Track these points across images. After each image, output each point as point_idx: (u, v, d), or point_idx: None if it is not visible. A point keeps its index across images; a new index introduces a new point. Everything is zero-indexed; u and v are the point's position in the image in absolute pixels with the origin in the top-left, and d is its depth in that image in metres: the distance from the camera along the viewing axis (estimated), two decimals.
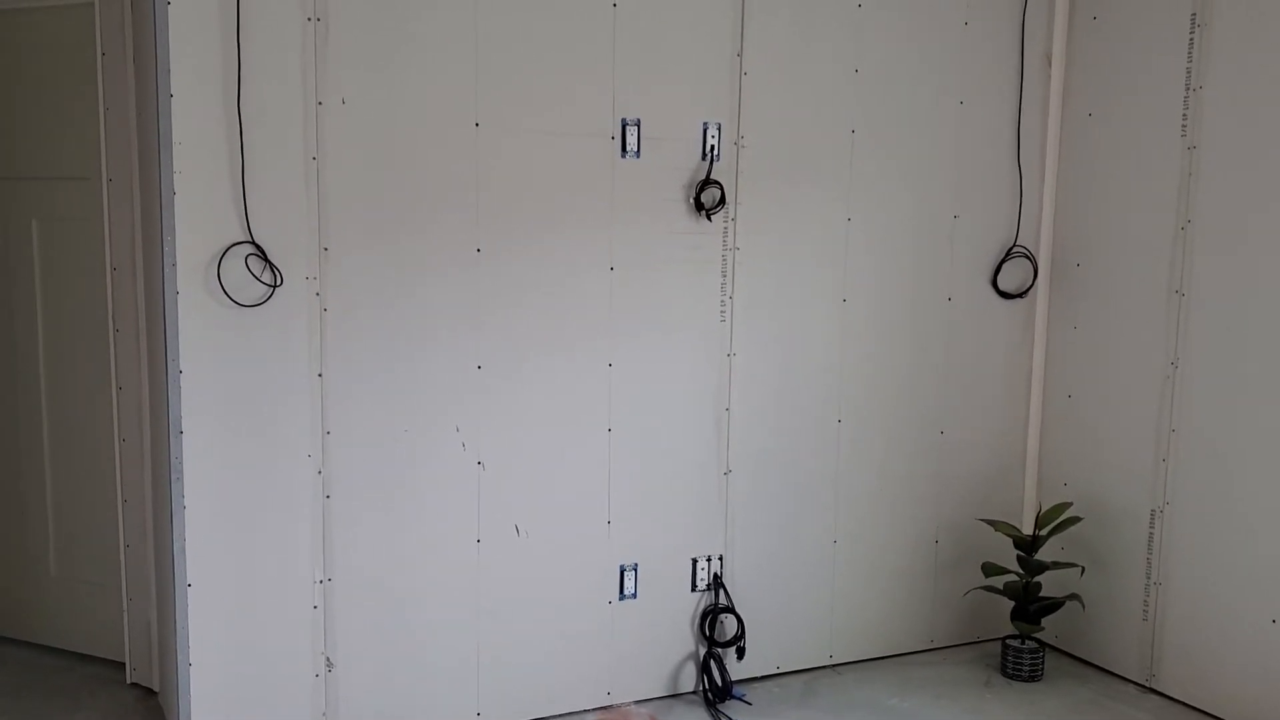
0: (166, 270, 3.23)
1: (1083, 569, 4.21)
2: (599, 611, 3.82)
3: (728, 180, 3.82)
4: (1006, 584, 4.19)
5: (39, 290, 4.04)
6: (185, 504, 3.27)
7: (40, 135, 3.96)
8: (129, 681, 3.93)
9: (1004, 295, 4.33)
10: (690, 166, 3.77)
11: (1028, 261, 4.36)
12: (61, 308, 4.00)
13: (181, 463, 3.26)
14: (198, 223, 3.20)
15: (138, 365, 3.77)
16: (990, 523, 4.23)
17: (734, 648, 3.96)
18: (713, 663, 3.93)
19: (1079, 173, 4.27)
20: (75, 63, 3.80)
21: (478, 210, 3.51)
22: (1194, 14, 3.83)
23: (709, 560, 3.97)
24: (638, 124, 3.67)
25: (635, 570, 3.85)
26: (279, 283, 3.29)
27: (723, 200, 3.80)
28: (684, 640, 3.96)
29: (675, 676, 3.96)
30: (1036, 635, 4.19)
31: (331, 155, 3.32)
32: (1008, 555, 4.23)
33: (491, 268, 3.54)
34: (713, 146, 3.78)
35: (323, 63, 3.29)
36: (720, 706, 3.88)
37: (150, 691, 3.88)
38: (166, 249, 3.22)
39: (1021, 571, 4.15)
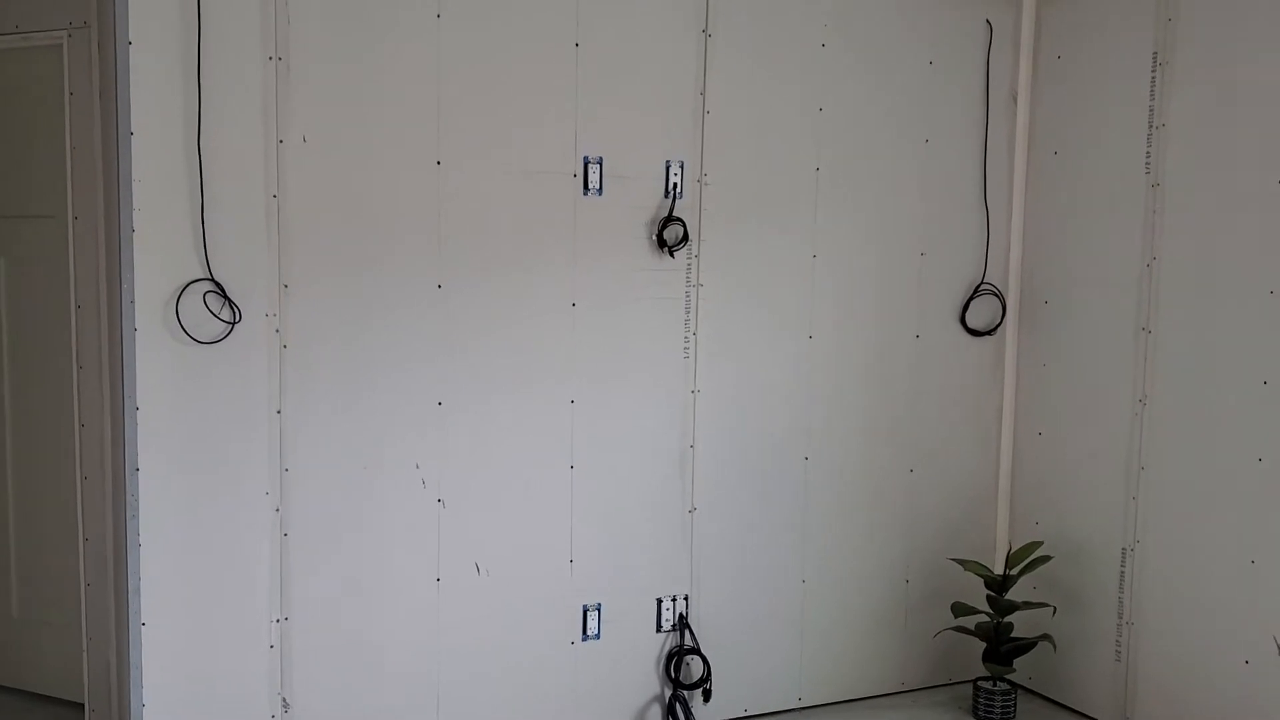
0: (125, 307, 3.23)
1: (1054, 609, 4.17)
2: (561, 652, 3.78)
3: (691, 218, 3.83)
4: (978, 624, 4.15)
5: (4, 327, 4.03)
6: (140, 542, 3.25)
7: (8, 174, 3.98)
8: None
9: (973, 333, 4.33)
10: (653, 204, 3.78)
11: (996, 299, 4.36)
12: (27, 345, 4.00)
13: (137, 500, 3.25)
14: (157, 260, 3.21)
15: (101, 403, 3.76)
16: (960, 562, 4.20)
17: (700, 690, 3.92)
18: (678, 705, 3.88)
19: (1046, 210, 4.28)
20: (43, 102, 3.82)
21: (439, 247, 3.51)
22: (1155, 52, 3.85)
23: (674, 600, 3.93)
24: (600, 162, 3.69)
25: (598, 610, 3.82)
26: (238, 320, 3.29)
27: (685, 237, 3.81)
28: (649, 682, 3.92)
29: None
30: (1009, 677, 4.15)
31: (292, 193, 3.34)
32: (980, 595, 4.20)
33: (453, 304, 3.54)
34: (676, 184, 3.80)
35: (284, 101, 3.30)
36: None
37: None
38: (125, 286, 3.22)
39: (991, 612, 4.11)
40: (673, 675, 3.92)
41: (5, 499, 4.09)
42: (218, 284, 3.26)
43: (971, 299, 4.32)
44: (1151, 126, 3.87)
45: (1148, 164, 3.88)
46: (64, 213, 3.81)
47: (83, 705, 3.92)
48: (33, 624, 4.08)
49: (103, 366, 3.75)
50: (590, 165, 3.68)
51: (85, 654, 3.88)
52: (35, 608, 4.08)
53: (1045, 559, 4.12)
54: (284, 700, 3.43)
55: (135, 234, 3.17)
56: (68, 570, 3.93)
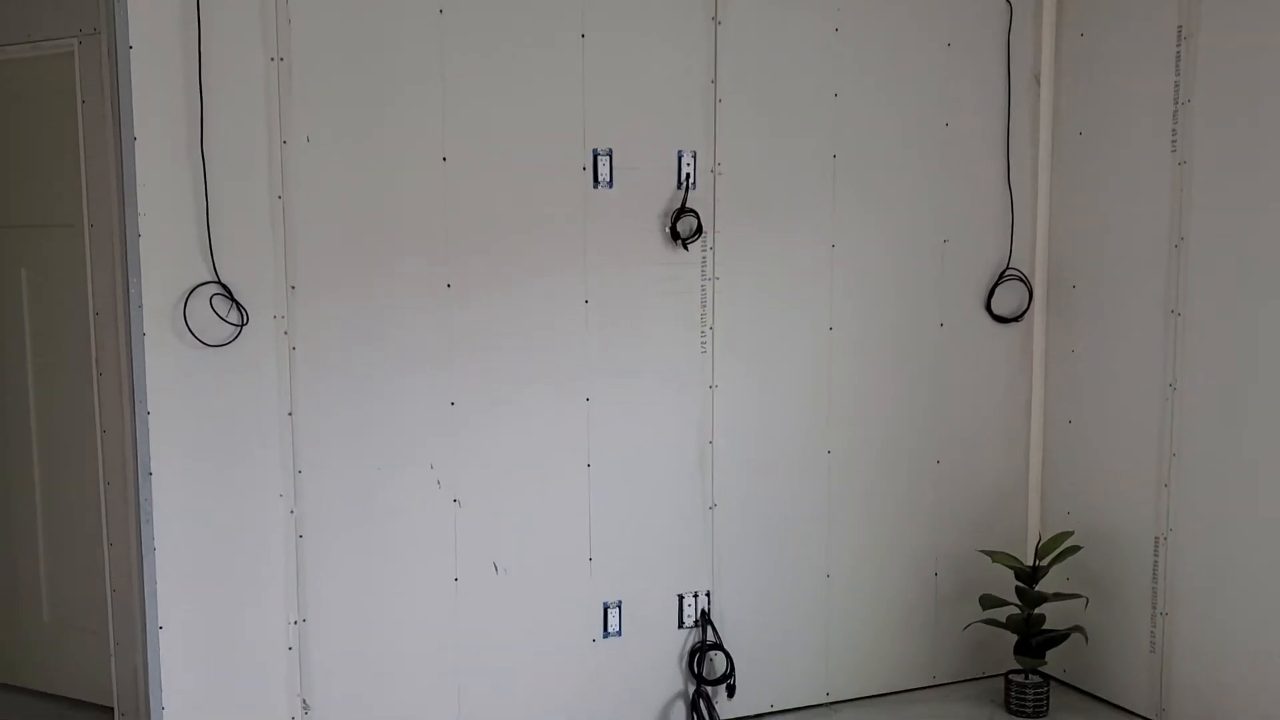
0: (133, 311, 3.24)
1: (1087, 600, 4.07)
2: (582, 650, 3.75)
3: (705, 209, 3.77)
4: (1009, 617, 4.06)
5: (28, 336, 4.07)
6: (155, 546, 3.27)
7: (27, 184, 4.01)
8: None
9: (999, 319, 4.24)
10: (665, 196, 3.73)
11: (1022, 284, 4.26)
12: (49, 353, 4.03)
13: (151, 504, 3.26)
14: (163, 264, 3.22)
15: (121, 409, 3.78)
16: (989, 554, 4.11)
17: (724, 685, 3.87)
18: (702, 701, 3.84)
19: (1072, 192, 4.18)
20: (58, 111, 3.84)
21: (447, 245, 3.49)
22: (1180, 25, 3.74)
23: (696, 596, 3.89)
24: (609, 154, 3.65)
25: (619, 607, 3.79)
26: (245, 322, 3.29)
27: (700, 229, 3.75)
28: (672, 679, 3.88)
29: (664, 716, 3.87)
30: (1041, 669, 4.05)
31: (297, 193, 3.33)
32: (1011, 587, 4.10)
33: (463, 303, 3.52)
34: (688, 175, 3.75)
35: (286, 102, 3.30)
36: None
37: None
38: (132, 291, 3.23)
39: (1021, 604, 4.02)
40: (696, 671, 3.87)
41: (34, 505, 4.14)
42: (225, 286, 3.26)
43: (997, 285, 4.22)
44: (1177, 103, 3.76)
45: (1174, 142, 3.77)
46: (80, 221, 3.83)
47: (112, 709, 3.95)
48: (63, 629, 4.13)
49: (122, 372, 3.76)
50: (600, 157, 3.64)
51: (113, 658, 3.91)
52: (65, 612, 4.12)
53: (1076, 549, 4.03)
54: (304, 701, 3.43)
55: (141, 239, 3.18)
56: (94, 575, 3.96)
